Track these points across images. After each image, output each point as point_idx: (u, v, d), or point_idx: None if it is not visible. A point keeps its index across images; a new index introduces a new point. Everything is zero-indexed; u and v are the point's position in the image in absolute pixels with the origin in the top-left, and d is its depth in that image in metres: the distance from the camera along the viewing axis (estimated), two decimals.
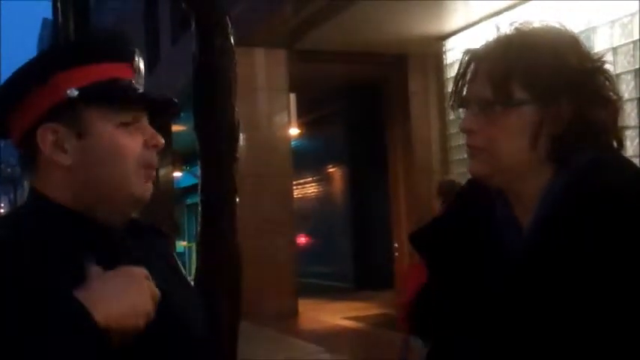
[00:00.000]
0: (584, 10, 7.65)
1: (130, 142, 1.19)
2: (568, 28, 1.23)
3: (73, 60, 1.18)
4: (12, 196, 53.43)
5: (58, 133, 1.16)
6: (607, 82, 1.21)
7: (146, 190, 1.23)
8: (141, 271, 1.12)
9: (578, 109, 1.17)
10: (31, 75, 1.18)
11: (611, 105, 1.21)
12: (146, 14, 18.61)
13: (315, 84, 13.20)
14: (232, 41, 4.23)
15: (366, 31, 10.25)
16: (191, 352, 1.22)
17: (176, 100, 1.30)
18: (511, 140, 1.19)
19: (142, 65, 1.27)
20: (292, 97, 11.89)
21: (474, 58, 1.25)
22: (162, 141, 1.24)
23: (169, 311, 1.18)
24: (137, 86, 1.24)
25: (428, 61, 11.64)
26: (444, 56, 10.58)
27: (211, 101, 4.22)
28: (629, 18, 7.36)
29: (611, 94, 1.21)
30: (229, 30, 4.20)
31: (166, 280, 1.24)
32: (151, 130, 1.23)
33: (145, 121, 1.24)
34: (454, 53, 10.24)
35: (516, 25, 1.24)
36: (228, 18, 4.24)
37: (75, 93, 1.15)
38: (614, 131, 1.22)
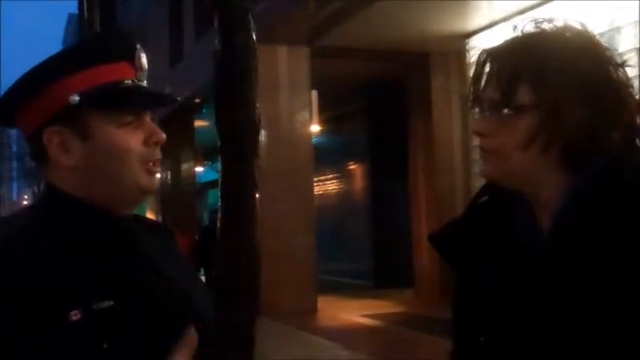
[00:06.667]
0: (608, 9, 7.56)
1: (132, 141, 1.24)
2: (589, 29, 1.21)
3: (76, 64, 1.22)
4: (35, 188, 53.98)
5: (63, 135, 1.22)
6: (625, 85, 1.17)
7: (151, 182, 1.27)
8: None
9: (592, 115, 1.14)
10: (38, 79, 1.22)
11: (628, 107, 1.17)
12: (170, 10, 18.69)
13: (336, 81, 13.20)
14: (254, 38, 4.25)
15: (388, 29, 10.22)
16: (202, 346, 1.24)
17: (171, 95, 1.33)
18: (520, 146, 1.16)
19: (144, 60, 1.30)
20: (314, 94, 11.90)
21: (489, 57, 1.23)
22: (164, 136, 1.27)
23: (183, 305, 1.23)
24: (138, 84, 1.28)
25: (450, 59, 11.60)
26: (466, 54, 10.52)
27: (232, 97, 4.24)
28: None
29: (628, 96, 1.17)
30: (251, 27, 4.21)
31: (179, 275, 1.29)
32: (151, 127, 1.26)
33: (146, 117, 1.27)
34: (477, 52, 10.16)
35: (537, 23, 1.22)
36: (250, 15, 4.26)
37: (76, 99, 1.20)
38: (634, 132, 1.19)
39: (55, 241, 1.16)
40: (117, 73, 1.24)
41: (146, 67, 1.30)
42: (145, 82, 1.30)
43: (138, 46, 1.29)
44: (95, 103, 1.21)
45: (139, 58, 1.29)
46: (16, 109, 1.25)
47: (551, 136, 1.15)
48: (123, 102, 1.23)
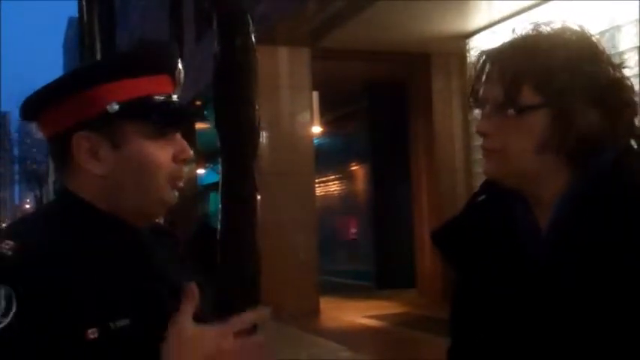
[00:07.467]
0: (608, 8, 7.57)
1: (162, 156, 1.23)
2: (588, 30, 1.21)
3: (117, 73, 1.21)
4: (37, 192, 54.14)
5: (93, 141, 1.20)
6: (625, 87, 1.18)
7: (173, 197, 1.27)
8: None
9: (593, 115, 1.15)
10: (76, 81, 1.21)
11: (629, 109, 1.18)
12: (170, 12, 18.71)
13: (337, 82, 13.21)
14: (253, 39, 4.25)
15: (389, 30, 10.23)
16: None
17: (197, 112, 1.33)
18: (524, 145, 1.17)
19: (182, 75, 1.29)
20: (315, 95, 11.91)
21: (489, 58, 1.24)
22: (192, 153, 1.27)
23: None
24: (175, 100, 1.27)
25: (451, 60, 11.61)
26: (467, 55, 10.52)
27: (232, 99, 4.24)
28: None
29: (629, 98, 1.18)
30: (250, 28, 4.21)
31: (180, 279, 1.27)
32: (182, 144, 1.26)
33: (177, 132, 1.27)
34: (477, 52, 10.15)
35: (535, 25, 1.23)
36: (249, 16, 4.26)
37: (115, 108, 1.19)
38: (633, 132, 1.20)
39: (73, 252, 1.14)
40: (157, 86, 1.24)
41: (182, 81, 1.30)
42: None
43: (179, 60, 1.28)
44: (133, 115, 1.20)
45: (180, 72, 1.28)
46: (44, 106, 1.22)
47: (562, 137, 1.15)
48: (161, 117, 1.23)
